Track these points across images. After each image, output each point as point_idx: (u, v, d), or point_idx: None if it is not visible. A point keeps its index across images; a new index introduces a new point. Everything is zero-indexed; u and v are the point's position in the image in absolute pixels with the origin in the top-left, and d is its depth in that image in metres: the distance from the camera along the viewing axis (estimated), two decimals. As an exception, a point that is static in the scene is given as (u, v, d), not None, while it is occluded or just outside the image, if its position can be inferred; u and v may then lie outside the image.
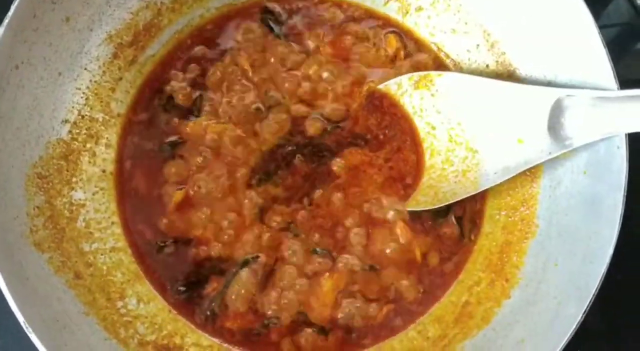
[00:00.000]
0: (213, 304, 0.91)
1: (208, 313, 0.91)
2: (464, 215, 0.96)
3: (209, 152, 0.96)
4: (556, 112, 0.86)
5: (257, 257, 0.92)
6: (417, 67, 1.02)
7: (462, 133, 0.96)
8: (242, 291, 0.90)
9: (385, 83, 1.00)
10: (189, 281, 0.92)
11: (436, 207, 0.94)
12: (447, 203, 0.93)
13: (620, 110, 0.81)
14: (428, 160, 0.97)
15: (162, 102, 0.99)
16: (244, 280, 0.91)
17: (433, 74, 0.98)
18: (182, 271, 0.92)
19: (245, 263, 0.91)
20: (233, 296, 0.90)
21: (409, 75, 0.99)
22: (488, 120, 0.93)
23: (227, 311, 0.91)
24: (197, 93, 0.99)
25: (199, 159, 0.95)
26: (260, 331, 0.90)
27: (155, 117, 0.99)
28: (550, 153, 0.87)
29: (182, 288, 0.91)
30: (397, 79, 0.99)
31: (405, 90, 0.99)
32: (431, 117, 0.98)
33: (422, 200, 0.95)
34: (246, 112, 0.98)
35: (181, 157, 0.96)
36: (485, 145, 0.94)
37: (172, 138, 0.97)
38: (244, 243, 0.92)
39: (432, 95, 0.97)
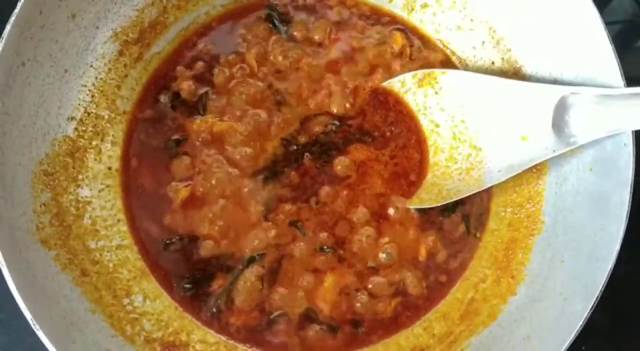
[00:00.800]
0: (219, 301, 0.91)
1: (214, 310, 0.91)
2: (471, 212, 0.96)
3: (215, 150, 0.96)
4: (560, 110, 0.86)
5: (263, 254, 0.92)
6: (422, 64, 1.02)
7: (466, 131, 0.96)
8: (248, 288, 0.90)
9: (389, 81, 1.00)
10: (195, 278, 0.92)
11: (440, 204, 0.94)
12: (450, 200, 0.93)
13: (625, 107, 0.81)
14: (432, 158, 0.97)
15: (168, 100, 0.98)
16: (250, 277, 0.91)
17: (437, 71, 0.97)
18: (188, 269, 0.92)
19: (251, 260, 0.91)
20: (239, 294, 0.90)
21: (413, 73, 0.99)
22: (492, 118, 0.93)
23: (233, 308, 0.91)
24: (203, 90, 0.99)
25: (205, 156, 0.95)
26: (266, 328, 0.90)
27: (161, 114, 0.98)
28: (554, 150, 0.87)
29: (188, 286, 0.91)
30: (401, 77, 0.99)
31: (409, 88, 0.99)
32: (435, 115, 0.98)
33: (426, 197, 0.95)
34: (252, 110, 0.98)
35: (187, 154, 0.96)
36: (489, 142, 0.94)
37: (178, 135, 0.97)
38: (250, 240, 0.92)
39: (436, 93, 0.97)
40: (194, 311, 0.91)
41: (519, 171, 0.90)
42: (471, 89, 0.95)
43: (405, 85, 0.99)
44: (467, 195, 0.93)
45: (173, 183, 0.95)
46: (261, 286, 0.91)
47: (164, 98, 0.99)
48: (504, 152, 0.92)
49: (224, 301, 0.91)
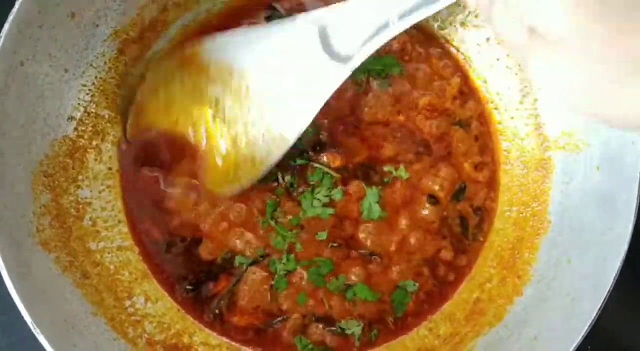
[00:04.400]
0: (222, 302, 0.90)
1: (217, 311, 0.90)
2: (469, 217, 0.95)
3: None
4: (325, 34, 0.84)
5: (268, 255, 0.91)
6: (426, 61, 1.01)
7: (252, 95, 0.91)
8: (252, 289, 0.90)
9: None
10: (198, 280, 0.91)
11: (260, 176, 0.91)
12: (270, 166, 0.90)
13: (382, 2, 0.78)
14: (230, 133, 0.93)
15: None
16: (254, 278, 0.90)
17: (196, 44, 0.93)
18: (191, 270, 0.91)
19: (255, 261, 0.90)
20: (242, 295, 0.90)
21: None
22: (269, 74, 0.89)
23: (237, 309, 0.90)
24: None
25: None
26: (270, 330, 0.90)
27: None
28: (342, 76, 0.84)
29: (190, 287, 0.91)
30: None
31: None
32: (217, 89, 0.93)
33: (244, 175, 0.92)
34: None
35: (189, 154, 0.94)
36: (276, 100, 0.90)
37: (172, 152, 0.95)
38: (253, 240, 0.91)
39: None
40: (197, 313, 0.91)
41: (319, 107, 0.86)
42: (236, 50, 0.90)
43: None
44: (281, 155, 0.90)
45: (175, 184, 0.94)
46: (265, 287, 0.90)
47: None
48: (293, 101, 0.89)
49: (227, 303, 0.90)
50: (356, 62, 0.83)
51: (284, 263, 0.90)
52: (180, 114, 0.93)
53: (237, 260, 0.91)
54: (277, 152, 0.90)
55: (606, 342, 0.98)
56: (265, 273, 0.90)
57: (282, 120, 0.90)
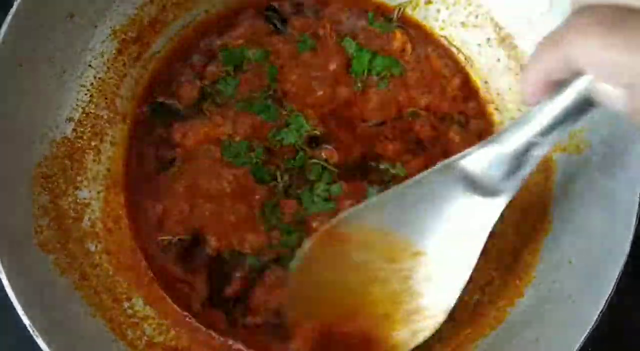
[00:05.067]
0: (237, 306, 0.90)
1: (230, 315, 0.90)
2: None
3: (214, 146, 0.94)
4: (468, 178, 0.79)
5: (270, 256, 0.91)
6: (427, 61, 1.01)
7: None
8: (271, 290, 0.89)
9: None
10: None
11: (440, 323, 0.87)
12: (444, 315, 0.86)
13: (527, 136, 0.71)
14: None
15: (164, 102, 0.98)
16: (274, 277, 0.89)
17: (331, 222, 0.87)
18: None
19: (268, 262, 0.90)
20: (258, 296, 0.89)
21: None
22: (417, 228, 0.85)
23: (247, 311, 0.90)
24: (201, 89, 0.98)
25: (207, 162, 0.94)
26: (277, 333, 0.89)
27: (160, 114, 0.98)
28: (498, 207, 0.81)
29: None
30: None
31: None
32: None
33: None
34: (252, 113, 0.96)
35: (187, 153, 0.95)
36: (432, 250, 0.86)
37: (177, 136, 0.96)
38: (253, 242, 0.91)
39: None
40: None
41: (483, 243, 0.83)
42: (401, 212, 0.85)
43: None
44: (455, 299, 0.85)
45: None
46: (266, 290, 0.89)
47: (161, 100, 0.98)
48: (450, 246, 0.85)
49: (243, 306, 0.90)
50: (510, 194, 0.79)
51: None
52: (332, 295, 0.87)
53: (249, 261, 0.90)
54: (450, 298, 0.85)
55: (608, 344, 0.98)
56: (268, 276, 0.90)
57: (443, 267, 0.86)
